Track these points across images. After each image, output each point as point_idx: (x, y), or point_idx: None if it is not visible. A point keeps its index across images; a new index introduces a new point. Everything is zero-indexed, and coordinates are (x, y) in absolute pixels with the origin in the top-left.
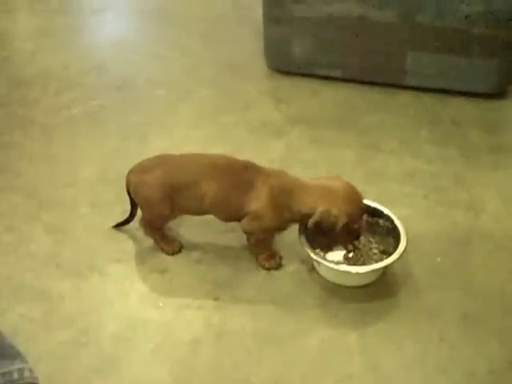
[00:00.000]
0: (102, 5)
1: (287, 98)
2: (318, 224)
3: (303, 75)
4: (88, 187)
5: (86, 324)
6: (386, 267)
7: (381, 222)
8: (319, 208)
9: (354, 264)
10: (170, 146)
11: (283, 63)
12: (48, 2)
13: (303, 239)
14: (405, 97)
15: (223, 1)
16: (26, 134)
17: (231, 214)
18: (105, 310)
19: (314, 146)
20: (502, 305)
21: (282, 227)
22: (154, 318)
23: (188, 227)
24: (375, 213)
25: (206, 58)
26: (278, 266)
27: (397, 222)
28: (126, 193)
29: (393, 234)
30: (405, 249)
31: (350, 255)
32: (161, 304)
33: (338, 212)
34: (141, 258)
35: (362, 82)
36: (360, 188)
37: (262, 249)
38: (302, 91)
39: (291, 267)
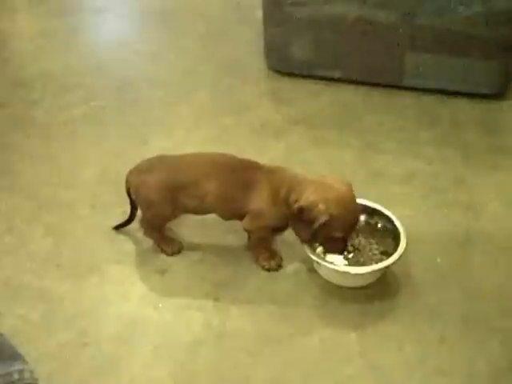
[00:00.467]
0: (101, 6)
1: (287, 98)
2: (301, 210)
3: (303, 76)
4: (88, 188)
5: (85, 325)
6: (385, 268)
7: (380, 222)
8: (309, 197)
9: (354, 265)
10: (169, 147)
11: (283, 64)
12: (48, 3)
13: None
14: (404, 98)
15: (223, 2)
16: (26, 135)
17: (233, 212)
18: (104, 311)
19: (314, 147)
20: (502, 305)
21: (282, 224)
22: (153, 318)
23: (188, 228)
24: (375, 213)
25: (206, 59)
26: (278, 267)
27: (397, 223)
28: (125, 193)
29: (393, 234)
30: (405, 249)
31: (350, 256)
32: (160, 305)
33: (324, 208)
34: (141, 258)
35: (362, 83)
36: (360, 188)
37: (263, 248)
38: (302, 92)
39: (291, 268)
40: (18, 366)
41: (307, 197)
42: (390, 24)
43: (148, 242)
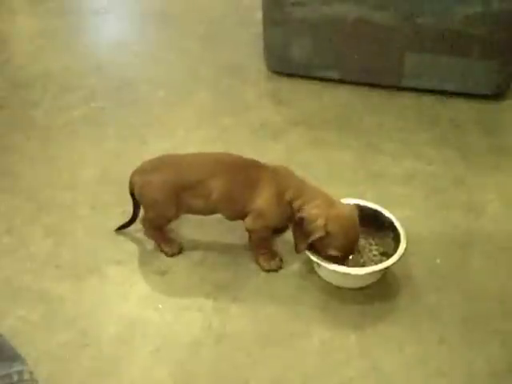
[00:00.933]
0: (102, 6)
1: (287, 99)
2: (301, 220)
3: (303, 77)
4: (88, 189)
5: (85, 326)
6: (385, 269)
7: (380, 223)
8: (312, 210)
9: (353, 266)
10: (170, 148)
11: (283, 65)
12: (48, 4)
13: None
14: (404, 98)
15: (223, 3)
16: (26, 136)
17: (237, 211)
18: (104, 312)
19: (313, 148)
20: (501, 306)
21: (284, 225)
22: (153, 319)
23: (188, 229)
24: (375, 214)
25: (205, 60)
26: (279, 268)
27: (397, 224)
28: (125, 194)
29: (393, 235)
30: (405, 250)
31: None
32: (160, 306)
33: (322, 224)
34: (141, 259)
35: (362, 84)
36: (360, 189)
37: (263, 249)
38: (302, 93)
39: (291, 269)
40: (17, 367)
41: (310, 209)
42: (390, 25)
43: (148, 243)
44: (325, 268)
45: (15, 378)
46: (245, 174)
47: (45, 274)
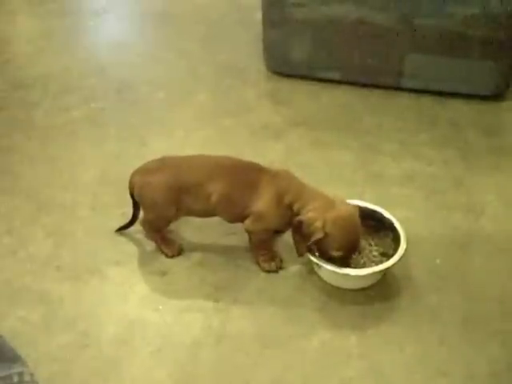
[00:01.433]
0: (101, 7)
1: (286, 100)
2: (300, 223)
3: (302, 77)
4: (88, 190)
5: (85, 327)
6: (385, 269)
7: (380, 224)
8: (310, 212)
9: (354, 266)
10: (169, 149)
11: (282, 65)
12: (48, 5)
13: None
14: (404, 99)
15: (223, 3)
16: (26, 137)
17: (236, 214)
18: (104, 313)
19: (313, 148)
20: (501, 307)
21: (283, 228)
22: (153, 320)
23: (188, 230)
24: (375, 215)
25: (205, 61)
26: (279, 269)
27: (396, 224)
28: (125, 195)
29: (392, 236)
30: (405, 251)
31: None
32: (160, 307)
33: (320, 226)
34: (141, 260)
35: (361, 85)
36: (359, 190)
37: (263, 250)
38: (302, 93)
39: (291, 270)
40: (17, 369)
41: (308, 211)
42: (389, 25)
43: (148, 244)
44: (325, 269)
45: (15, 379)
46: (245, 177)
47: (45, 274)
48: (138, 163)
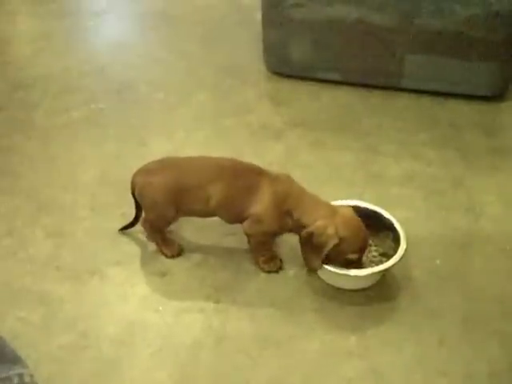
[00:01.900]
0: (101, 8)
1: (286, 100)
2: (309, 236)
3: (302, 78)
4: (88, 190)
5: (85, 327)
6: (385, 270)
7: (380, 224)
8: (318, 222)
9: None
10: (169, 149)
11: (282, 66)
12: (48, 5)
13: None
14: (403, 99)
15: (223, 3)
16: (26, 137)
17: (236, 215)
18: (104, 314)
19: (313, 149)
20: (501, 307)
21: (282, 232)
22: (154, 321)
23: (188, 230)
24: (375, 215)
25: (205, 61)
26: (278, 269)
27: (396, 225)
28: (125, 195)
29: (392, 236)
30: (404, 251)
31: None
32: (160, 307)
33: (333, 232)
34: (141, 261)
35: (361, 85)
36: (359, 190)
37: (263, 251)
38: (301, 94)
39: (291, 270)
40: (17, 370)
41: (315, 221)
42: (389, 26)
43: (148, 245)
44: (324, 269)
45: (15, 380)
46: (245, 179)
47: (45, 275)
48: (137, 164)
